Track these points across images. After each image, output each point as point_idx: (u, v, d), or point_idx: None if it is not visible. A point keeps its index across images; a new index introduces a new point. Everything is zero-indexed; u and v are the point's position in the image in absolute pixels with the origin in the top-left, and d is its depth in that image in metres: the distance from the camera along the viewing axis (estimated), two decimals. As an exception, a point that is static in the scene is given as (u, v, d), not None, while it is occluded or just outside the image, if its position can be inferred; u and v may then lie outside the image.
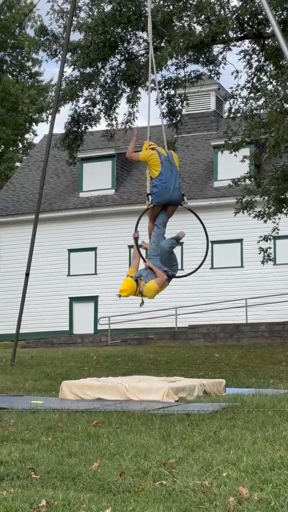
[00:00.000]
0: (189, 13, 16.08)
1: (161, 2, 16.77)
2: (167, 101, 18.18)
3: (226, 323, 25.45)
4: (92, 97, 18.15)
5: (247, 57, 17.30)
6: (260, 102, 17.60)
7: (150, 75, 11.52)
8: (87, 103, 18.20)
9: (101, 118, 18.53)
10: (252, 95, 17.35)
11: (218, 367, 16.00)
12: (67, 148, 18.73)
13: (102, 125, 19.52)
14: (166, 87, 17.89)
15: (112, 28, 16.66)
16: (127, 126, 18.33)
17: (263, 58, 17.36)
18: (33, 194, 30.84)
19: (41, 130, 78.90)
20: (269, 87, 17.44)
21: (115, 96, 18.06)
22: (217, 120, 32.48)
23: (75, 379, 11.27)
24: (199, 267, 10.82)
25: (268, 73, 17.57)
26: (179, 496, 4.31)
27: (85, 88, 17.83)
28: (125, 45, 17.56)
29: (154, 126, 34.34)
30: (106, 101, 18.15)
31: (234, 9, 16.37)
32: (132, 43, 17.67)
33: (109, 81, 18.02)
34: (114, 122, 18.49)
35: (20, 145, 47.42)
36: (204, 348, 21.68)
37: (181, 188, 10.43)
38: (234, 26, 15.77)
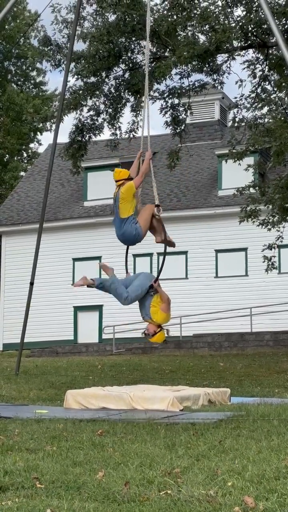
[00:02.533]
0: (193, 22, 16.13)
1: (165, 12, 16.82)
2: (171, 110, 18.21)
3: (230, 332, 25.41)
4: (96, 107, 18.20)
5: (251, 66, 17.34)
6: (264, 110, 17.65)
7: (147, 87, 11.37)
8: (91, 112, 18.25)
9: (105, 128, 18.57)
10: (256, 104, 17.38)
11: (223, 376, 15.98)
12: (71, 157, 18.76)
13: (106, 135, 19.57)
14: (170, 96, 17.93)
15: (116, 38, 16.72)
16: (131, 135, 18.37)
17: (267, 67, 17.39)
18: (37, 203, 30.87)
19: (45, 139, 79.14)
20: (274, 95, 17.47)
21: (119, 106, 18.10)
22: (221, 129, 32.52)
23: (80, 388, 11.27)
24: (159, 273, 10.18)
25: (272, 82, 17.60)
26: (184, 505, 4.30)
27: (89, 97, 17.87)
28: (129, 54, 17.62)
29: (157, 136, 34.25)
30: (110, 110, 18.19)
31: (238, 18, 16.43)
32: (136, 52, 17.73)
33: (113, 90, 18.07)
34: (118, 132, 18.53)
35: (25, 155, 47.53)
36: (209, 357, 21.65)
37: (125, 230, 9.73)
38: (238, 35, 15.79)
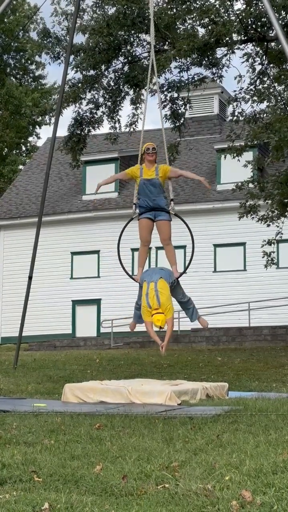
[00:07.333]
0: (193, 15, 16.09)
1: (165, 5, 16.78)
2: (170, 104, 18.17)
3: (229, 326, 25.41)
4: (95, 100, 18.16)
5: (250, 60, 17.30)
6: (263, 105, 17.61)
7: (152, 78, 11.45)
8: (90, 105, 18.21)
9: (104, 121, 18.54)
10: (255, 98, 17.35)
11: (220, 371, 15.98)
12: (70, 151, 18.72)
13: (105, 128, 19.56)
14: (169, 90, 17.89)
15: (115, 31, 16.67)
16: (131, 129, 18.33)
17: (266, 61, 17.35)
18: (36, 197, 30.85)
19: (44, 133, 79.06)
20: (272, 89, 17.43)
21: (118, 99, 18.07)
22: (220, 124, 32.48)
23: (78, 382, 11.26)
24: (184, 271, 10.73)
25: (271, 77, 17.57)
26: (181, 499, 4.30)
27: (88, 90, 17.83)
28: (128, 47, 17.57)
29: (156, 129, 34.24)
30: (109, 103, 18.15)
31: (238, 12, 16.38)
32: (135, 45, 17.69)
33: (112, 83, 18.03)
34: (117, 125, 18.50)
35: (24, 148, 47.45)
36: (207, 352, 21.67)
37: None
38: (238, 28, 15.74)
